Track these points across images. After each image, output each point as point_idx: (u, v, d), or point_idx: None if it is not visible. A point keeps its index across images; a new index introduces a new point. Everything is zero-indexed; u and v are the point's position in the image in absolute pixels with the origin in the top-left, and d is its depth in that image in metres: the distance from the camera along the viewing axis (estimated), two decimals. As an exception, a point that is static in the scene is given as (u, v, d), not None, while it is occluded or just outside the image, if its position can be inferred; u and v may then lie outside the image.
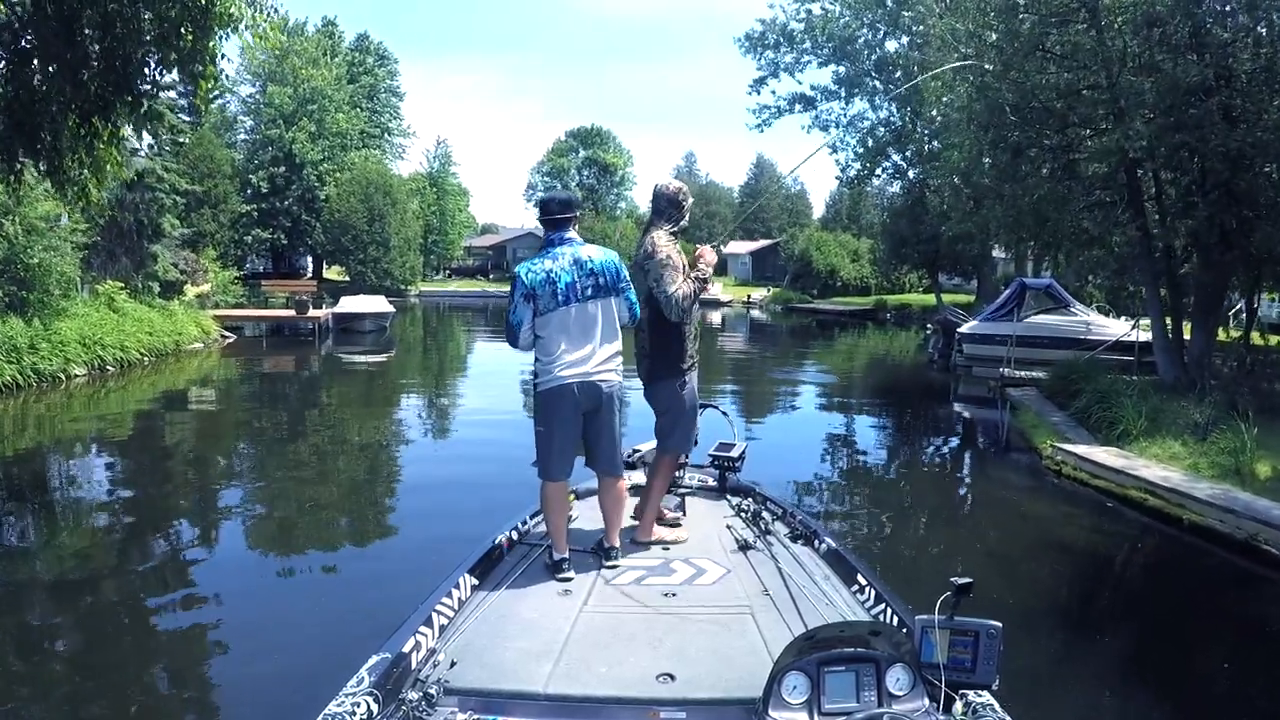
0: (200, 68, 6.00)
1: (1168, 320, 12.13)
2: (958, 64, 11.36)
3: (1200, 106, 10.04)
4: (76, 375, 14.06)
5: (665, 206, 3.81)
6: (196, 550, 6.24)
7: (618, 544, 3.57)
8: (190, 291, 20.57)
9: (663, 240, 3.72)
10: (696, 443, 4.14)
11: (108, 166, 7.13)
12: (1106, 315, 17.12)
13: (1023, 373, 13.84)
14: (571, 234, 3.57)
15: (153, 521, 6.87)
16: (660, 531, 3.77)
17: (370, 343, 22.37)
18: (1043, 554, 6.37)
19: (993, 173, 11.52)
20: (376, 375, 17.72)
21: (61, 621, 4.90)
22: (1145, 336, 15.00)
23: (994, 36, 11.12)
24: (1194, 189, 11.03)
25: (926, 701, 2.21)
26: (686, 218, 3.86)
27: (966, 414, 13.85)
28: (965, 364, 16.11)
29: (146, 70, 6.35)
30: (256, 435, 10.98)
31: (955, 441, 11.67)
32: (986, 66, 11.04)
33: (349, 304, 24.13)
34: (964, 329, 16.29)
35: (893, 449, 10.68)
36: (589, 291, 3.46)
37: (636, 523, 3.81)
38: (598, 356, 3.47)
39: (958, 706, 2.15)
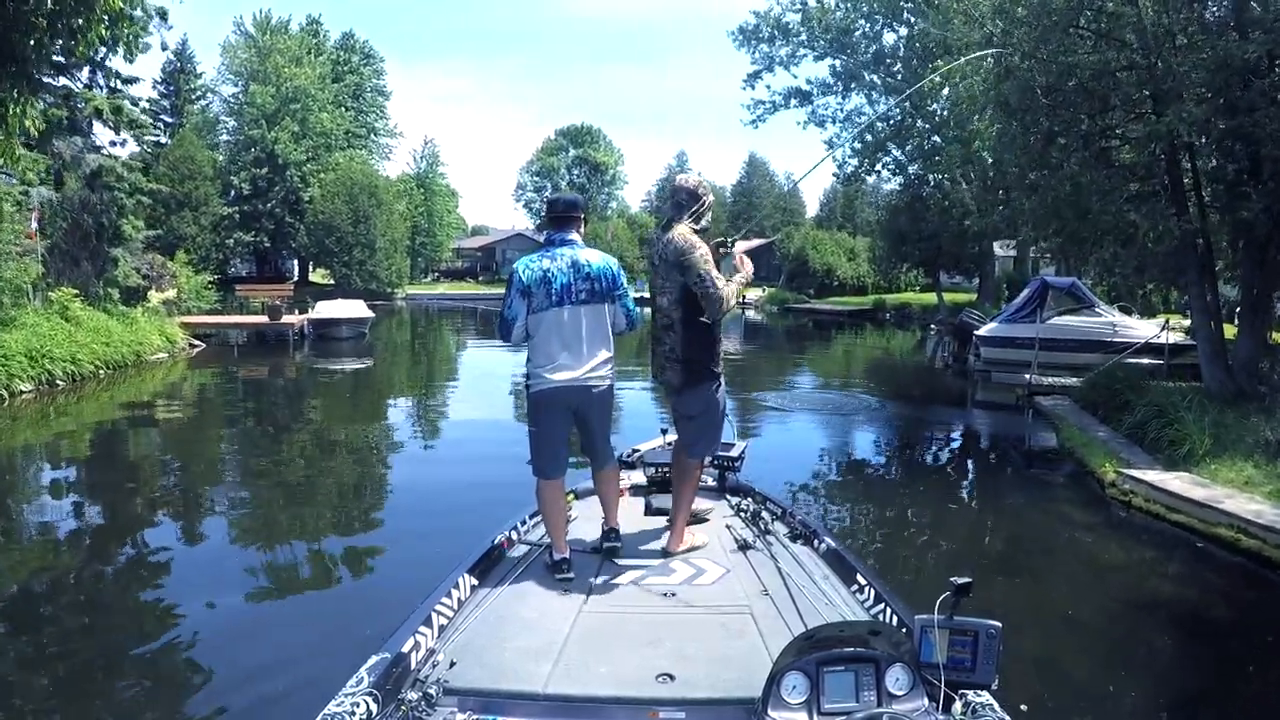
0: (81, 21, 4.88)
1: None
2: (979, 54, 10.35)
3: (1253, 87, 9.06)
4: (22, 391, 12.88)
5: (685, 199, 3.61)
6: (160, 586, 5.61)
7: (618, 525, 3.63)
8: (155, 298, 19.29)
9: (693, 236, 3.53)
10: None
11: (-1, 156, 6.00)
12: (1129, 315, 16.13)
13: (1051, 379, 12.79)
14: (574, 236, 3.57)
15: (110, 549, 6.30)
16: (689, 539, 3.64)
17: (348, 350, 21.13)
18: (1136, 620, 5.16)
19: (1023, 160, 10.46)
20: (350, 386, 16.50)
21: (39, 643, 4.62)
22: (1175, 338, 14.06)
23: (1022, 11, 10.05)
24: (1245, 178, 10.02)
25: (926, 701, 2.19)
26: (708, 216, 3.66)
27: (993, 427, 12.63)
28: (983, 369, 15.06)
29: (31, 29, 5.17)
30: (211, 455, 9.85)
31: (991, 463, 10.36)
32: (993, 52, 10.01)
33: (325, 309, 22.90)
34: (982, 331, 15.23)
35: (918, 472, 9.41)
36: (583, 295, 3.46)
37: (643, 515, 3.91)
38: (589, 361, 3.49)
39: (957, 706, 2.13)
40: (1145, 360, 13.17)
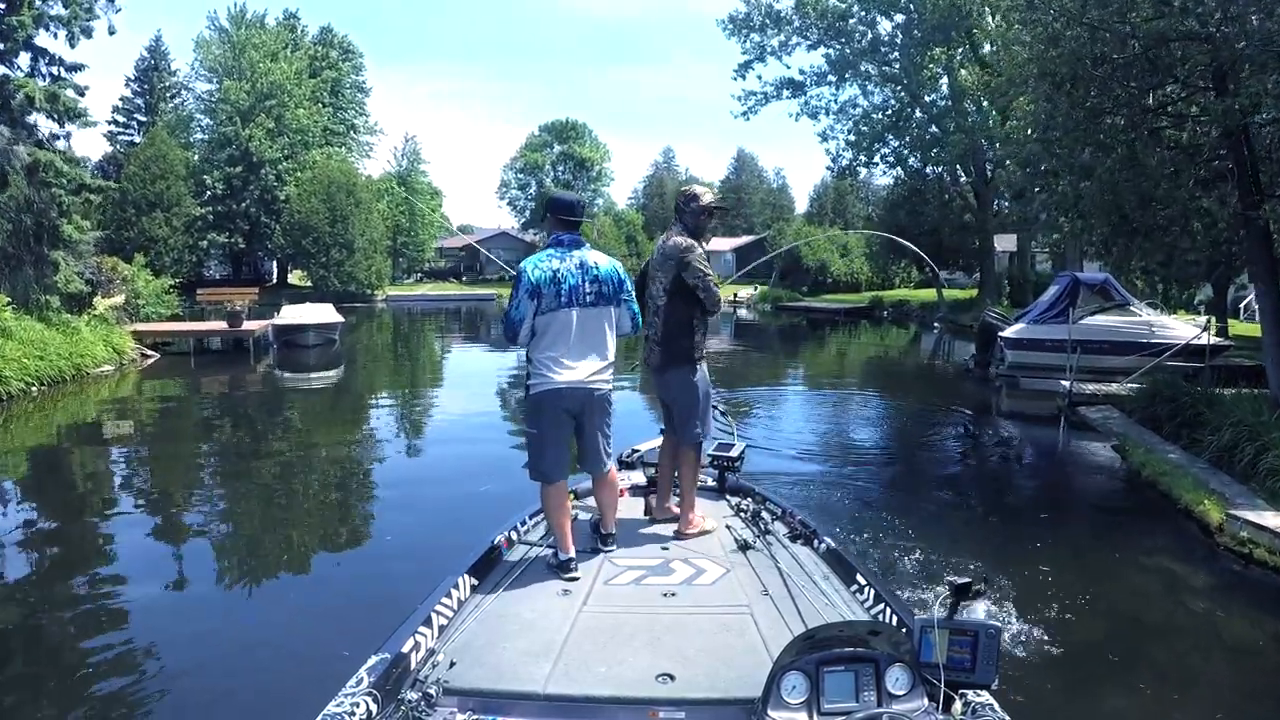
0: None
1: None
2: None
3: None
4: (-65, 414, 11.41)
5: (682, 205, 4.06)
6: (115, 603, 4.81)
7: (614, 530, 3.67)
8: (101, 304, 17.70)
9: (692, 239, 3.93)
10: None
11: None
12: (1156, 311, 14.93)
13: (1094, 387, 11.48)
14: (579, 236, 3.66)
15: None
16: (700, 523, 3.79)
17: (315, 358, 19.55)
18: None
19: (1069, 141, 9.17)
20: (310, 403, 14.95)
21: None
22: (1216, 339, 12.91)
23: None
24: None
25: (926, 701, 2.16)
26: (701, 218, 3.99)
27: (1036, 445, 10.99)
28: (1009, 373, 13.74)
29: None
30: (137, 491, 8.45)
31: (1050, 493, 8.53)
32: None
33: (290, 314, 21.30)
34: (1008, 332, 13.92)
35: (968, 510, 7.68)
36: (590, 298, 3.50)
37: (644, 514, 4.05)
38: (591, 363, 3.52)
39: (957, 706, 2.11)
40: (1183, 363, 11.97)
